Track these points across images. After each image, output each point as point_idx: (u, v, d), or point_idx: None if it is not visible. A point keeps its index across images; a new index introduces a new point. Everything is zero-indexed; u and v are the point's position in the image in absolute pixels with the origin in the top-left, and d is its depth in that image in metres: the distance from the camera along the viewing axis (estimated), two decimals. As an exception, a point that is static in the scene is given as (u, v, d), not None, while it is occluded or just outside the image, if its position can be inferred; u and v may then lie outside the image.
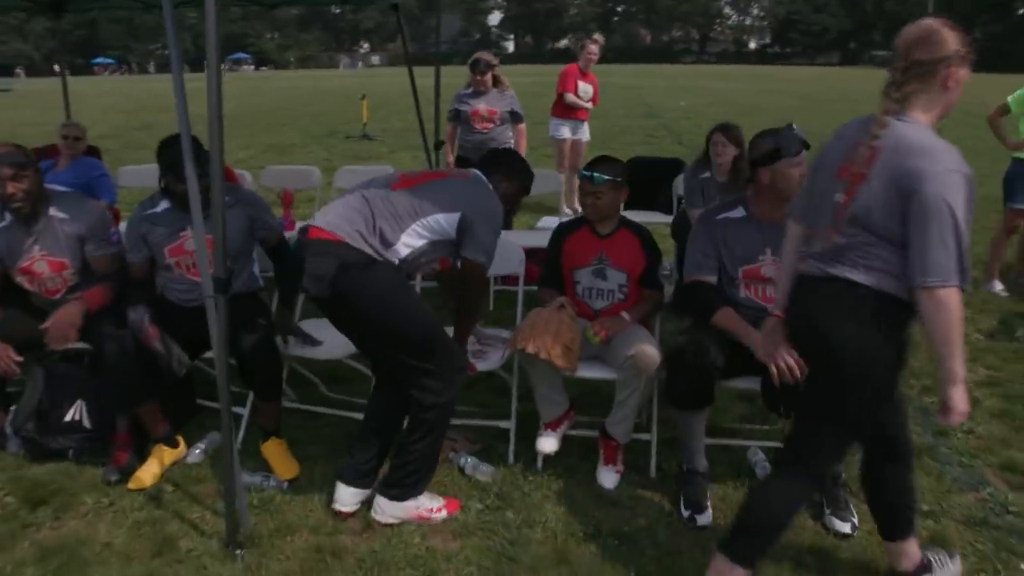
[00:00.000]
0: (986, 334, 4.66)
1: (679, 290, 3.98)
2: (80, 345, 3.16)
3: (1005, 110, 5.15)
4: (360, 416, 3.33)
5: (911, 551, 2.39)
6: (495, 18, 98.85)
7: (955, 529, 2.75)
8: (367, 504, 2.82)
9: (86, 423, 3.22)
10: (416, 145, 12.37)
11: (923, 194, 1.88)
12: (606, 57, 7.47)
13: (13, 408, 3.29)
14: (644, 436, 3.14)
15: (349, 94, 25.18)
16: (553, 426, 3.07)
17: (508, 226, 4.21)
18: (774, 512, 2.22)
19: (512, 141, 5.89)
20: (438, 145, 5.77)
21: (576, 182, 7.49)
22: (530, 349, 2.80)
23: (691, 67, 64.11)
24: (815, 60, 76.86)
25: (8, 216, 3.14)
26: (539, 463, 3.11)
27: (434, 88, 5.63)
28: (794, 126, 2.83)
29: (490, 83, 5.78)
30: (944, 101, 2.01)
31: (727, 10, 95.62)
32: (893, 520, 2.41)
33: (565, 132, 7.44)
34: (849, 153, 2.07)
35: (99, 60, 67.58)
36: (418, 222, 2.67)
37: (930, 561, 2.42)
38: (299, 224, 5.05)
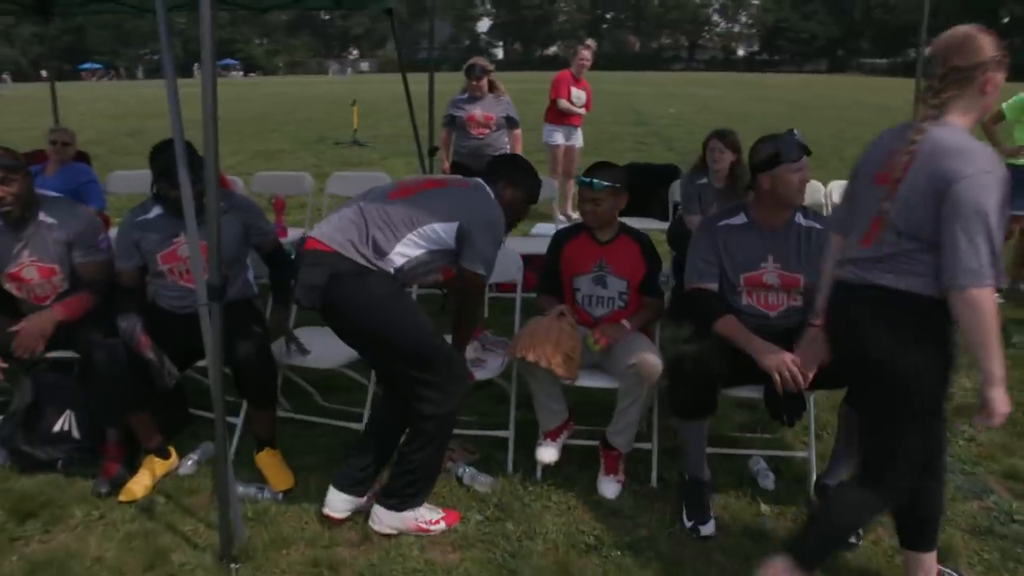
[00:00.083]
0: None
1: (676, 297, 3.98)
2: (67, 354, 3.10)
3: (1000, 117, 5.16)
4: (356, 426, 3.30)
5: (929, 565, 2.36)
6: (484, 25, 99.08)
7: (961, 538, 2.72)
8: (364, 516, 2.76)
9: (75, 433, 3.15)
10: (408, 151, 12.34)
11: (956, 194, 1.89)
12: (595, 64, 7.45)
13: (0, 418, 3.22)
14: (645, 445, 3.10)
15: (338, 100, 25.11)
16: (553, 435, 3.03)
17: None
18: (847, 523, 2.24)
19: (508, 147, 5.86)
20: (432, 151, 5.74)
21: (570, 188, 7.57)
22: (530, 358, 2.76)
23: (680, 74, 64.38)
24: (803, 67, 77.28)
25: (-2, 221, 3.07)
26: (539, 473, 3.06)
27: (428, 94, 5.60)
28: (795, 132, 2.81)
29: (486, 88, 5.76)
30: (981, 105, 2.04)
31: (715, 17, 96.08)
32: (919, 532, 2.36)
33: (558, 138, 7.42)
34: (886, 160, 2.08)
35: (87, 65, 67.11)
36: (414, 231, 2.65)
37: (941, 576, 2.39)
38: (291, 231, 5.07)
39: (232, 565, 2.53)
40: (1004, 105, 5.12)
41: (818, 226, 2.86)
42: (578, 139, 7.56)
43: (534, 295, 3.32)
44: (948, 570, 2.45)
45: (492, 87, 5.80)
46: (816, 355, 2.59)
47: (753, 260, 2.85)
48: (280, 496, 2.93)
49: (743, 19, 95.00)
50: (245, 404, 3.21)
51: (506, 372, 3.18)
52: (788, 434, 3.41)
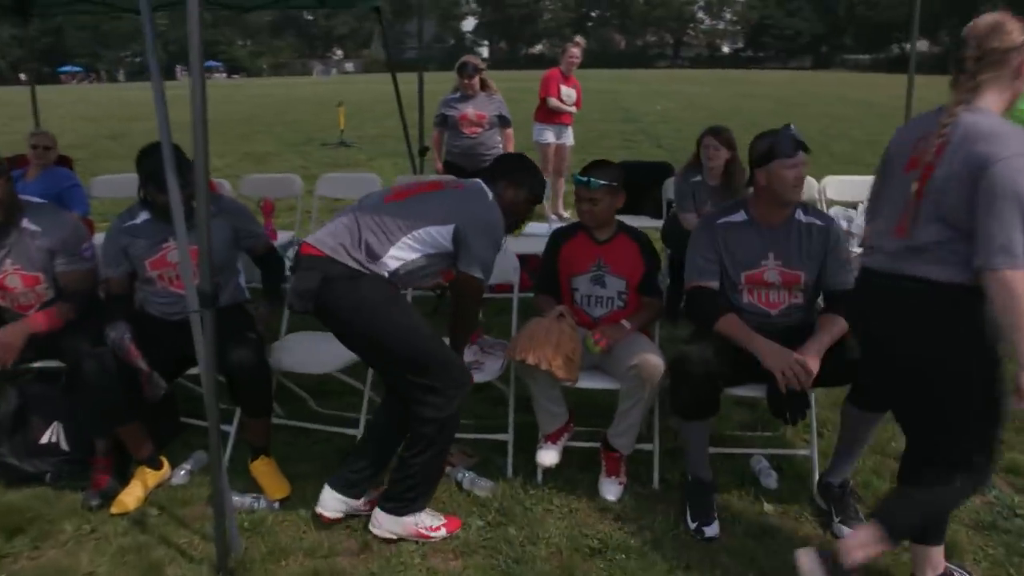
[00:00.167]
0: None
1: (671, 296, 3.95)
2: (53, 363, 3.02)
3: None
4: (352, 431, 3.25)
5: (936, 559, 2.33)
6: (469, 24, 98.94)
7: (965, 534, 2.70)
8: (364, 524, 2.71)
9: (64, 445, 3.08)
10: (395, 152, 12.31)
11: (990, 177, 1.90)
12: (581, 62, 7.39)
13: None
14: (646, 446, 3.05)
15: (323, 101, 24.98)
16: (553, 438, 2.99)
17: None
18: (940, 508, 2.26)
19: (501, 145, 5.81)
20: (423, 151, 5.68)
21: (561, 187, 7.53)
22: (530, 360, 2.72)
23: (665, 71, 64.54)
24: (788, 64, 77.66)
25: (-21, 228, 3.00)
26: (539, 476, 3.02)
27: (417, 93, 5.55)
28: (791, 127, 2.78)
29: (478, 87, 5.70)
30: (1013, 88, 2.06)
31: (700, 15, 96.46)
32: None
33: (549, 137, 7.37)
34: (917, 146, 2.08)
35: (66, 68, 66.42)
36: (409, 235, 2.62)
37: (952, 573, 2.36)
38: (281, 233, 5.00)
39: (229, 578, 2.47)
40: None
41: (819, 222, 2.83)
42: (569, 137, 7.52)
43: (530, 295, 3.28)
44: (954, 567, 2.42)
45: (484, 85, 5.75)
46: (819, 353, 2.58)
47: (754, 258, 2.81)
48: (276, 505, 2.87)
49: (728, 16, 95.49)
50: (238, 411, 3.15)
51: (504, 374, 3.13)
52: (788, 432, 3.39)
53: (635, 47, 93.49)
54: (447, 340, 2.74)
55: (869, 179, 5.20)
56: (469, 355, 3.02)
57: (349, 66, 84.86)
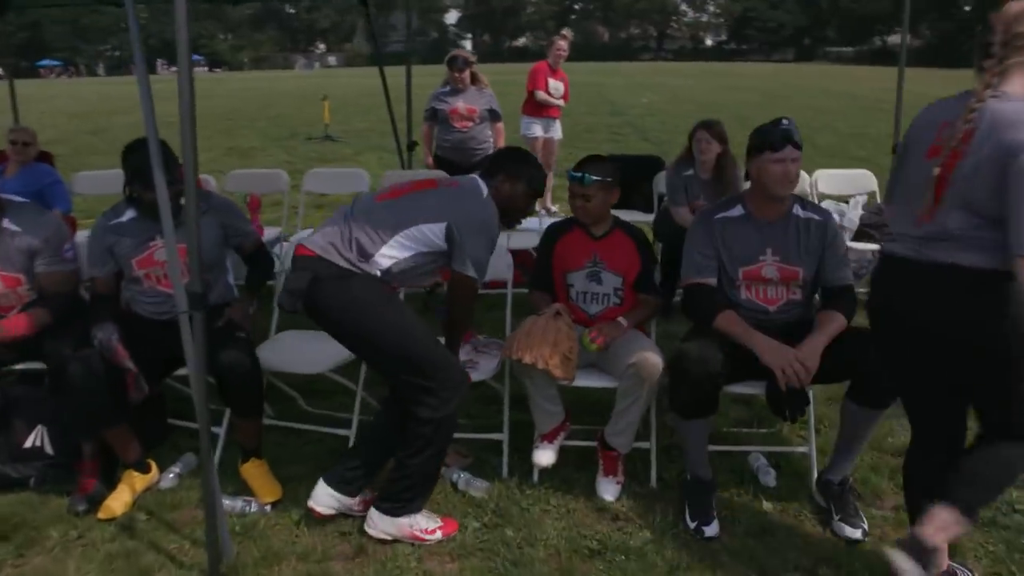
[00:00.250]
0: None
1: (664, 291, 3.91)
2: (35, 365, 2.94)
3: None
4: (344, 432, 3.20)
5: (941, 557, 2.31)
6: (452, 17, 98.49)
7: (965, 531, 2.69)
8: (358, 528, 2.67)
9: (48, 449, 3.01)
10: (381, 146, 12.21)
11: (1021, 164, 1.87)
12: (568, 55, 7.33)
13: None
14: (643, 444, 3.02)
15: (307, 95, 24.79)
16: (550, 438, 2.95)
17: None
18: (1006, 476, 2.23)
19: (491, 139, 5.75)
20: (411, 146, 5.62)
21: (549, 181, 7.47)
22: (527, 359, 2.67)
23: (649, 64, 64.64)
24: (771, 56, 77.97)
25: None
26: (535, 476, 2.98)
27: (405, 87, 5.48)
28: (783, 121, 2.73)
29: (468, 80, 5.64)
30: None
31: (683, 7, 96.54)
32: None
33: (537, 130, 7.31)
34: (941, 132, 2.07)
35: (45, 62, 65.58)
36: (401, 233, 2.60)
37: (955, 572, 2.34)
38: (268, 229, 4.93)
39: (221, 584, 2.42)
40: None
41: (817, 217, 2.80)
42: (557, 131, 7.46)
43: (522, 291, 3.24)
44: (957, 565, 2.40)
45: (474, 79, 5.68)
46: (819, 350, 2.56)
47: (751, 253, 2.78)
48: (268, 508, 2.81)
49: (711, 8, 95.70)
50: (228, 412, 3.09)
51: (498, 373, 3.08)
52: (785, 428, 3.37)
53: (619, 40, 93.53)
54: (443, 339, 2.70)
55: (860, 172, 5.28)
56: (463, 354, 2.98)
57: (332, 60, 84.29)
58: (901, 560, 2.14)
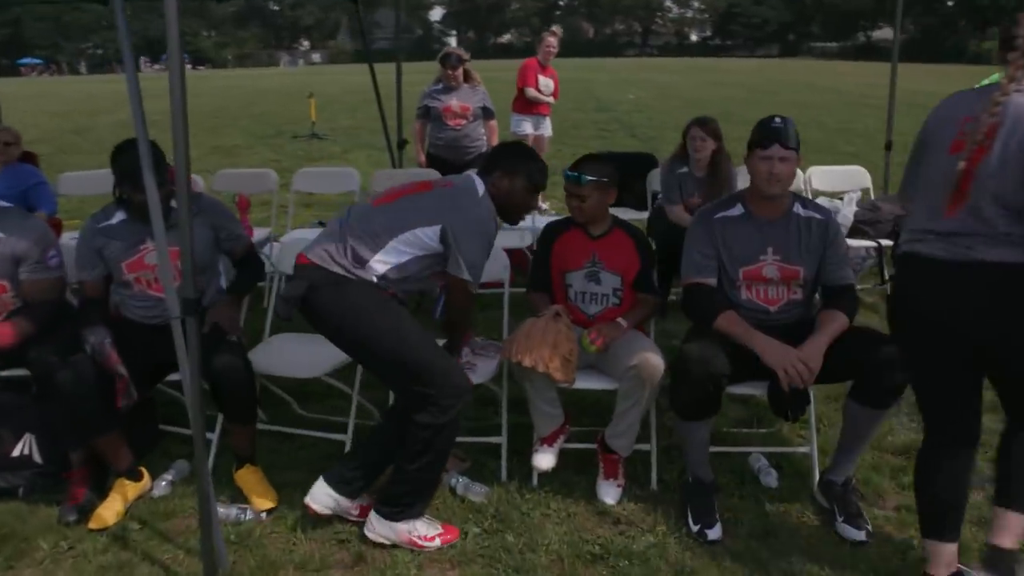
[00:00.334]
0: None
1: (659, 289, 3.88)
2: (20, 372, 2.87)
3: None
4: (339, 437, 3.14)
5: (951, 556, 2.29)
6: (437, 13, 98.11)
7: (969, 531, 2.65)
8: (357, 536, 2.62)
9: (37, 457, 2.94)
10: (370, 144, 12.13)
11: None
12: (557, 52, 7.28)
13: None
14: (643, 446, 2.98)
15: (292, 92, 24.63)
16: (549, 441, 2.91)
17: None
18: None
19: (485, 138, 5.70)
20: (401, 144, 5.55)
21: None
22: (527, 362, 2.63)
23: (634, 60, 64.63)
24: (755, 52, 78.23)
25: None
26: (534, 479, 2.94)
27: (395, 84, 5.41)
28: (776, 119, 2.68)
29: (461, 78, 5.58)
30: None
31: (668, 3, 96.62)
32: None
33: (527, 128, 7.27)
34: (964, 126, 2.05)
35: (26, 60, 64.80)
36: (397, 238, 2.58)
37: (962, 572, 2.32)
38: (257, 230, 4.86)
39: (217, 595, 2.36)
40: (976, 86, 5.11)
41: (818, 216, 2.77)
42: (547, 128, 7.42)
43: (519, 290, 3.19)
44: (962, 566, 2.38)
45: (467, 77, 5.62)
46: (822, 350, 2.53)
47: (752, 253, 2.75)
48: (264, 516, 2.76)
49: (695, 5, 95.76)
50: (220, 418, 3.03)
51: (495, 375, 3.04)
52: (785, 428, 3.34)
53: (604, 36, 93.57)
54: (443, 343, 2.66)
55: (854, 169, 5.27)
56: (461, 357, 2.93)
57: (316, 57, 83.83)
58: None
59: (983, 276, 2.03)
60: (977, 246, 2.03)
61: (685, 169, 4.43)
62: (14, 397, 2.97)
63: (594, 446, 2.99)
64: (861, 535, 2.59)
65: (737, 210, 2.80)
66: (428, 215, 2.59)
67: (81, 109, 21.90)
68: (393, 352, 2.51)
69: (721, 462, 3.02)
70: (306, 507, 2.64)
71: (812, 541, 2.62)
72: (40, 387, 2.81)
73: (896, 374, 2.51)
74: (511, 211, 2.77)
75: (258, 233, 4.80)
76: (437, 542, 2.59)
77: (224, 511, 2.72)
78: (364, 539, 2.62)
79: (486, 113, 5.70)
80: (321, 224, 5.70)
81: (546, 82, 7.23)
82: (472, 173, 2.76)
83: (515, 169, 2.74)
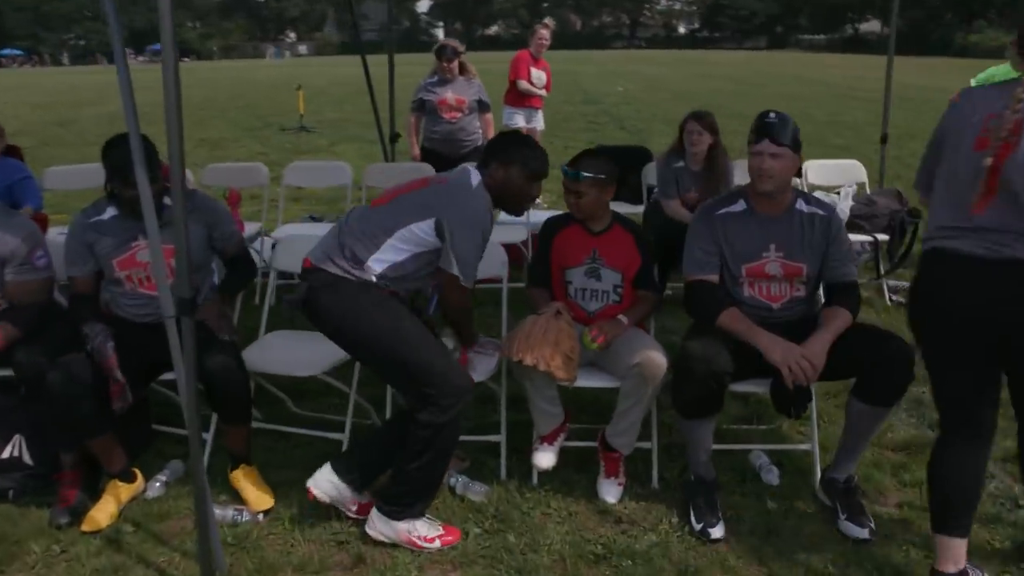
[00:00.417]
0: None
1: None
2: (7, 372, 2.81)
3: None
4: (335, 435, 3.10)
5: (959, 553, 2.27)
6: (424, 5, 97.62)
7: (972, 529, 2.66)
8: (358, 536, 2.58)
9: (27, 459, 2.88)
10: (358, 136, 12.03)
11: None
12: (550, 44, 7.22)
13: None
14: (644, 444, 2.95)
15: (278, 85, 24.44)
16: (549, 439, 2.88)
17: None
18: None
19: (480, 131, 5.64)
20: (394, 138, 5.49)
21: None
22: (528, 361, 2.60)
23: (622, 52, 64.67)
24: (743, 44, 78.45)
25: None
26: (535, 478, 2.91)
27: (388, 77, 5.35)
28: (770, 115, 2.64)
29: (457, 71, 5.51)
30: None
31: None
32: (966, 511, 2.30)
33: (519, 120, 7.20)
34: (986, 123, 2.03)
35: (6, 51, 63.92)
36: (394, 236, 2.57)
37: (967, 572, 2.30)
38: (248, 225, 4.79)
39: (214, 598, 2.32)
40: (972, 80, 5.11)
41: (820, 212, 2.74)
42: (539, 121, 7.36)
43: (518, 285, 3.15)
44: (968, 565, 2.36)
45: (463, 69, 5.56)
46: (825, 347, 2.51)
47: (754, 249, 2.72)
48: (260, 517, 2.72)
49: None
50: (215, 417, 2.97)
51: (494, 373, 3.00)
52: (786, 425, 3.33)
53: (591, 28, 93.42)
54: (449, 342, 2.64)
55: (850, 163, 5.25)
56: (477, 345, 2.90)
57: (303, 48, 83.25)
58: None
59: (1017, 273, 2.02)
60: (1012, 243, 2.01)
61: (681, 163, 4.40)
62: (4, 398, 2.91)
63: (594, 444, 2.96)
64: (864, 533, 2.58)
65: (739, 206, 2.77)
66: (423, 210, 2.57)
67: (64, 101, 21.63)
68: (393, 352, 2.49)
69: (722, 459, 2.99)
70: (307, 491, 2.61)
71: (815, 539, 2.61)
72: (29, 389, 2.74)
73: (900, 372, 2.49)
74: (510, 201, 2.73)
75: (249, 228, 4.74)
76: (437, 543, 2.56)
77: (220, 513, 2.67)
78: (364, 540, 2.58)
79: (481, 106, 5.64)
80: (312, 219, 5.64)
81: (538, 75, 7.18)
82: (468, 166, 2.71)
83: (510, 158, 2.68)
